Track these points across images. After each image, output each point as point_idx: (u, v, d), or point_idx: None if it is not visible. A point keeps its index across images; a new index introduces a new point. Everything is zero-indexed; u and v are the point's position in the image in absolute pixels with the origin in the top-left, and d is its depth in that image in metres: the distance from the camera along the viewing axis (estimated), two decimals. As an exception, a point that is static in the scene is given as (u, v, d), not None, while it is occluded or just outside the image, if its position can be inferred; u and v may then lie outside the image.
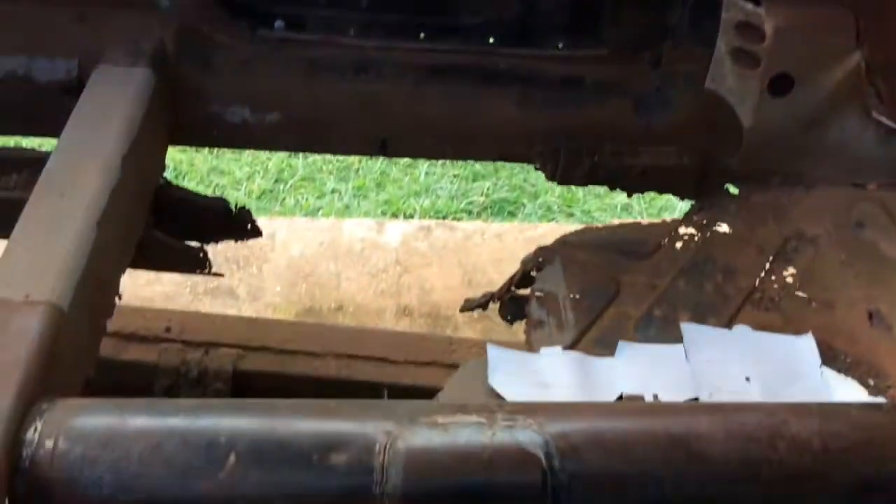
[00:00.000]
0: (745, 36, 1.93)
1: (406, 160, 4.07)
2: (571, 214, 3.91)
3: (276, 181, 3.94)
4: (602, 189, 4.05)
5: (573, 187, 4.05)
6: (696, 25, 2.05)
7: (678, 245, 1.96)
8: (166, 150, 1.97)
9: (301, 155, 4.05)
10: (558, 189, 3.98)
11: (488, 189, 3.95)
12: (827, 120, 2.06)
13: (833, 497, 1.17)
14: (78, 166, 1.56)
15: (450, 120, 2.11)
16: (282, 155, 4.05)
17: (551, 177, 2.17)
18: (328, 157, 4.07)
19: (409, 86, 2.05)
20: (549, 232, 2.05)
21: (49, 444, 1.11)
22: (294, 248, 2.94)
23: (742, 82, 2.00)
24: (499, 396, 1.55)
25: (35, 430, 1.13)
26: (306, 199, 3.76)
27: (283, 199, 3.79)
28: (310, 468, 1.14)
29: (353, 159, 4.05)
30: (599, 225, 2.13)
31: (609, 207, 3.97)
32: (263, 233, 2.09)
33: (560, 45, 2.10)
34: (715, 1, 1.92)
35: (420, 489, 1.14)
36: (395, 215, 3.60)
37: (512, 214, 3.84)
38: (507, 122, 2.11)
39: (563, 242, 2.01)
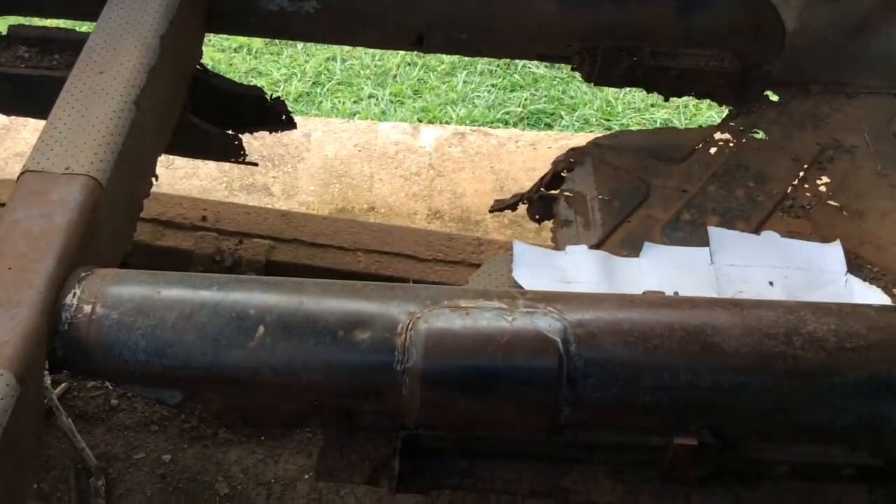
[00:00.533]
0: (795, -65, 1.86)
1: (444, 68, 4.03)
2: (609, 128, 3.85)
3: (314, 84, 3.92)
4: (642, 103, 4.00)
5: (612, 100, 4.01)
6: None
7: (712, 150, 1.94)
8: (203, 35, 1.97)
9: (339, 58, 4.02)
10: (597, 102, 3.92)
11: (526, 100, 3.90)
12: (874, 27, 2.00)
13: (845, 393, 1.18)
14: (117, 44, 1.58)
15: (487, 16, 2.08)
16: (320, 57, 4.02)
17: (587, 77, 2.13)
18: (366, 62, 4.03)
19: None
20: (583, 142, 2.03)
21: (87, 308, 1.17)
22: (329, 149, 2.96)
23: (789, -17, 1.94)
24: (522, 290, 1.58)
25: (74, 295, 1.18)
26: (343, 103, 3.75)
27: (320, 102, 3.79)
28: (335, 343, 1.18)
29: (391, 64, 4.01)
30: (633, 130, 2.11)
31: (648, 122, 3.90)
32: (299, 132, 2.10)
33: None
34: None
35: (439, 368, 1.17)
36: (430, 123, 3.59)
37: (549, 126, 3.79)
38: (546, 18, 2.07)
39: (596, 144, 1.99)
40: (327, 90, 3.86)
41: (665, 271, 1.61)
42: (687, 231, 1.74)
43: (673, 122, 3.88)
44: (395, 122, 3.27)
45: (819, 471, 1.26)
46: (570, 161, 1.93)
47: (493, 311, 1.21)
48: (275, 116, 2.05)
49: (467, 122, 3.66)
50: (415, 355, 1.17)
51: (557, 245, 1.73)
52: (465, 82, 3.96)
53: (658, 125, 3.88)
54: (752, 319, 1.23)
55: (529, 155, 2.93)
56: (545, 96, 3.94)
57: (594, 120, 3.88)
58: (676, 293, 1.50)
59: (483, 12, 2.06)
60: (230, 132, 2.04)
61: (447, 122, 3.60)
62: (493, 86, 3.97)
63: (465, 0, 2.05)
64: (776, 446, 1.25)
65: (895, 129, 1.96)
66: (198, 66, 1.96)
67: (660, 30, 2.07)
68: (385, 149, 2.97)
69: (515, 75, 4.03)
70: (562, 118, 3.86)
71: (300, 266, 2.00)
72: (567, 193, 1.85)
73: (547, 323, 1.20)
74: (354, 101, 3.77)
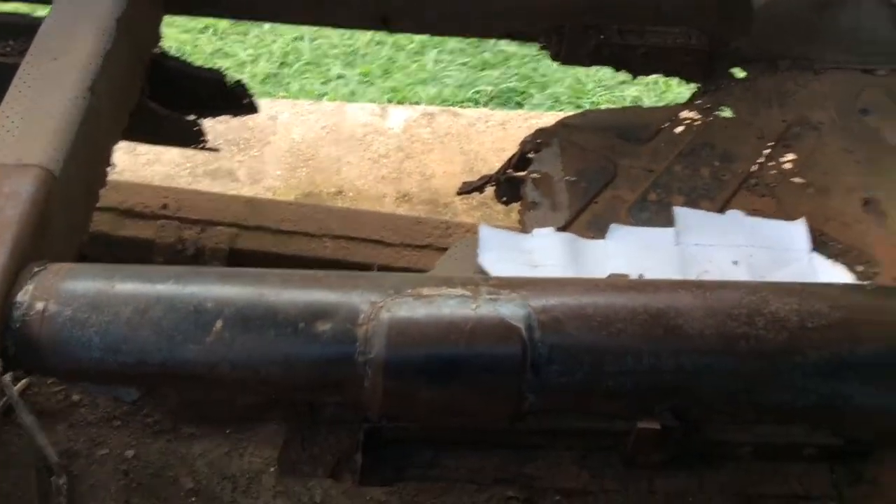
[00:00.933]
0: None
1: (414, 46, 3.98)
2: (580, 106, 3.84)
3: (281, 65, 3.87)
4: (612, 81, 3.99)
5: (582, 78, 3.99)
6: None
7: (678, 130, 1.93)
8: (161, 16, 1.93)
9: (307, 38, 3.96)
10: (567, 80, 3.90)
11: (496, 79, 3.87)
12: (842, 1, 1.99)
13: (806, 373, 1.18)
14: (72, 29, 1.53)
15: (452, -6, 2.05)
16: (287, 38, 3.96)
17: (555, 56, 2.11)
18: (334, 41, 3.98)
19: None
20: (553, 121, 2.02)
21: (40, 305, 1.14)
22: (296, 132, 2.92)
23: (763, -40, 1.93)
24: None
25: (26, 292, 1.15)
26: (311, 84, 3.70)
27: (288, 83, 3.74)
28: (295, 335, 1.17)
29: (360, 43, 3.96)
30: (600, 109, 2.10)
31: (618, 100, 3.89)
32: (265, 115, 2.06)
33: None
34: None
35: (401, 358, 1.16)
36: (400, 103, 3.55)
37: (520, 105, 3.77)
38: None
39: (563, 125, 1.98)
40: (295, 71, 3.81)
41: (631, 252, 1.60)
42: (653, 211, 1.74)
43: (643, 99, 3.87)
44: (363, 104, 3.24)
45: (781, 451, 1.27)
46: (537, 142, 1.92)
47: (457, 299, 1.20)
48: (236, 100, 2.01)
49: (437, 101, 3.63)
50: (377, 346, 1.15)
51: (525, 227, 1.72)
52: (435, 61, 3.93)
53: (628, 102, 3.87)
54: (715, 301, 1.22)
55: (499, 135, 2.91)
56: (516, 74, 3.91)
57: (565, 98, 3.87)
58: (642, 275, 1.49)
59: None
60: (190, 117, 2.00)
61: (417, 103, 3.57)
62: (463, 64, 3.94)
63: None
64: (739, 427, 1.25)
65: (861, 106, 1.96)
66: (156, 50, 1.91)
67: (627, 8, 2.05)
68: (353, 131, 2.94)
69: (486, 54, 4.00)
70: (532, 96, 3.84)
71: (265, 254, 1.98)
72: (534, 175, 1.83)
73: (510, 310, 1.19)
74: (323, 82, 3.73)
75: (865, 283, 1.52)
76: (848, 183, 1.78)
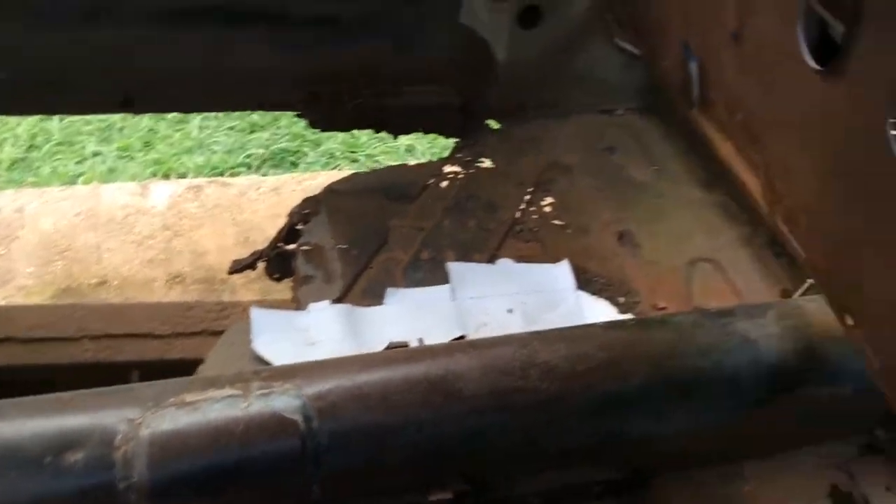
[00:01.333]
0: (493, -31, 1.94)
1: (175, 115, 3.82)
2: (356, 160, 3.85)
3: (29, 148, 3.56)
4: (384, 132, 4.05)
5: (356, 132, 4.01)
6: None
7: (443, 184, 1.97)
8: None
9: (56, 116, 3.68)
10: (340, 135, 3.90)
11: (267, 140, 3.79)
12: (575, 49, 2.14)
13: (581, 416, 1.22)
14: None
15: (198, 69, 1.97)
16: (33, 118, 3.66)
17: (313, 123, 2.10)
18: (87, 117, 3.73)
19: (148, 33, 1.89)
20: (327, 181, 1.99)
21: None
22: (46, 222, 2.67)
23: (494, 16, 2.02)
24: (264, 361, 1.50)
25: None
26: (64, 166, 3.43)
27: (38, 167, 3.44)
28: (42, 472, 1.04)
29: (117, 117, 3.74)
30: (366, 170, 2.10)
31: (393, 150, 3.95)
32: (9, 208, 1.86)
33: None
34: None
35: (170, 476, 1.07)
36: (166, 175, 3.38)
37: (294, 164, 3.71)
38: (261, 67, 2.00)
39: (331, 191, 1.96)
40: (45, 153, 3.52)
41: (409, 316, 1.59)
42: (427, 270, 1.75)
43: (416, 146, 3.95)
44: (120, 183, 3.04)
45: (570, 493, 1.30)
46: (304, 212, 1.88)
47: (224, 401, 1.13)
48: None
49: (207, 170, 3.49)
50: (138, 467, 1.06)
51: (299, 303, 1.67)
52: (200, 128, 3.79)
53: (403, 151, 3.94)
54: (490, 360, 1.24)
55: (273, 201, 2.83)
56: (287, 134, 3.86)
57: (340, 153, 3.86)
58: (422, 339, 1.48)
59: (193, 67, 1.95)
60: None
61: (184, 174, 3.41)
62: (231, 129, 3.83)
63: (171, 56, 1.92)
64: (528, 479, 1.27)
65: (606, 145, 2.11)
66: None
67: (380, 70, 2.08)
68: (112, 213, 2.74)
69: (255, 115, 3.92)
70: (307, 155, 3.80)
71: (16, 368, 1.77)
72: (304, 247, 1.79)
73: (284, 402, 1.14)
74: (77, 162, 3.47)
75: (626, 317, 1.61)
76: (602, 219, 1.89)
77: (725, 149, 1.43)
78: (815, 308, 1.32)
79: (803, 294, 1.58)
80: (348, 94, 2.06)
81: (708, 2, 1.31)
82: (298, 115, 2.09)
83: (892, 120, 0.84)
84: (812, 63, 0.99)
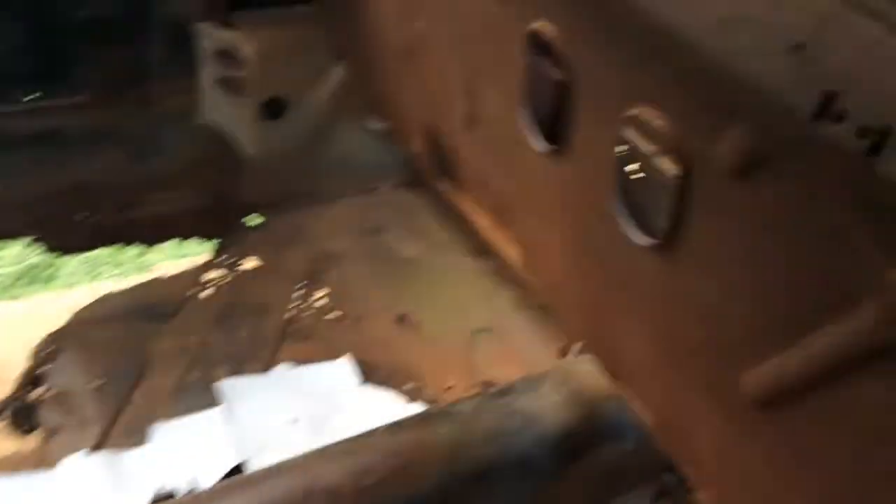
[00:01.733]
0: (228, 63, 1.86)
1: None
2: (121, 263, 3.56)
3: None
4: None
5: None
6: (179, 59, 1.92)
7: (205, 294, 1.83)
8: None
9: None
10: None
11: (17, 256, 3.41)
12: (328, 134, 2.09)
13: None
14: None
15: None
16: None
17: (51, 248, 1.90)
18: None
19: None
20: (71, 303, 1.79)
21: None
22: None
23: (236, 111, 1.94)
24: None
25: None
26: None
27: None
28: None
29: None
30: (116, 290, 1.91)
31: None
32: None
33: (26, 97, 1.82)
34: (191, 32, 1.81)
35: None
36: None
37: (53, 278, 3.37)
38: None
39: (78, 321, 1.76)
40: None
41: (179, 451, 1.43)
42: (197, 392, 1.59)
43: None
44: None
45: None
46: (48, 351, 1.66)
47: None
48: None
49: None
50: None
51: (49, 461, 1.45)
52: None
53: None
54: (267, 496, 1.13)
55: (25, 325, 2.51)
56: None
57: (103, 259, 3.55)
58: (194, 479, 1.33)
59: None
60: None
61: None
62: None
63: None
64: None
65: (373, 225, 2.07)
66: None
67: (117, 183, 1.92)
68: None
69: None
70: (63, 267, 3.46)
71: None
72: (51, 393, 1.58)
73: None
74: None
75: (413, 408, 1.55)
76: (379, 304, 1.83)
77: (484, 222, 1.42)
78: (589, 369, 1.32)
79: (580, 351, 1.60)
80: (86, 214, 1.88)
81: (441, 89, 1.31)
82: (28, 245, 1.87)
83: (614, 191, 0.84)
84: (538, 145, 0.99)
